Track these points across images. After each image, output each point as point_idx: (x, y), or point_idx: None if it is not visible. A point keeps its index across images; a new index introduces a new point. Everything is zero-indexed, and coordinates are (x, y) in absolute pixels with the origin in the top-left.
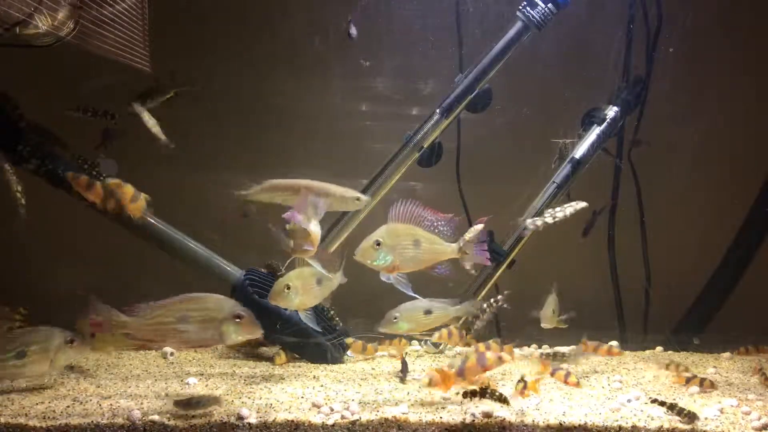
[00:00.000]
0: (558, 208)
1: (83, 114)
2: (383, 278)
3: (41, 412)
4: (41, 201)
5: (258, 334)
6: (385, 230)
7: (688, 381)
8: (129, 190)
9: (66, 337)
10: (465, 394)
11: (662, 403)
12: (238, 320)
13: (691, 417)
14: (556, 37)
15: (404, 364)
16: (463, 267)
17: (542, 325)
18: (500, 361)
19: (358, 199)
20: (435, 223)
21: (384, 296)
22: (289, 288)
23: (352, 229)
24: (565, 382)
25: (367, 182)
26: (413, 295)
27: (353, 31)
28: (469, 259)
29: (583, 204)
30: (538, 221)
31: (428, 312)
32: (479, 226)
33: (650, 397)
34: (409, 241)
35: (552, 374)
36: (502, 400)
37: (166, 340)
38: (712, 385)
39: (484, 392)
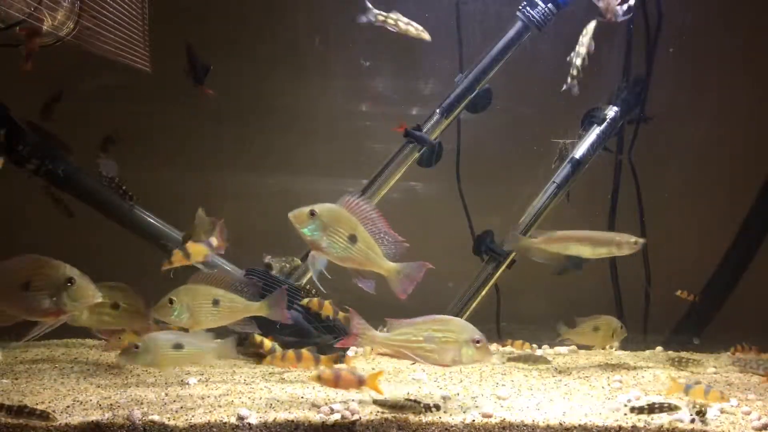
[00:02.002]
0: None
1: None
2: (312, 256)
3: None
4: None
5: (490, 357)
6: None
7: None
8: None
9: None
10: (632, 410)
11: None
12: (477, 344)
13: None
14: (556, 37)
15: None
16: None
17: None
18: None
19: (635, 242)
20: (382, 235)
21: (382, 296)
22: (172, 302)
23: None
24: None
25: (367, 182)
26: (319, 276)
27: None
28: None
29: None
30: (573, 71)
31: (178, 346)
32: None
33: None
34: (344, 233)
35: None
36: (672, 408)
37: (410, 355)
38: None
39: (652, 408)
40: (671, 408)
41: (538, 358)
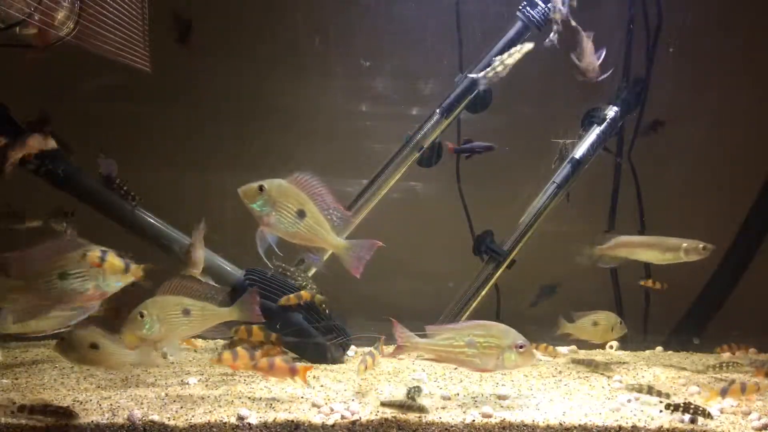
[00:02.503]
0: (505, 54)
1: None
2: (260, 232)
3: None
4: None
5: (533, 361)
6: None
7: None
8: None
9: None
10: (667, 406)
11: (676, 406)
12: (520, 350)
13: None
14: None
15: None
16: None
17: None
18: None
19: (703, 248)
20: (331, 210)
21: (382, 296)
22: (143, 316)
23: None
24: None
25: (367, 182)
26: (267, 252)
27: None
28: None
29: (529, 46)
30: (490, 72)
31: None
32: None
33: (666, 403)
34: (293, 209)
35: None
36: (705, 414)
37: (452, 360)
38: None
39: (687, 407)
40: (705, 415)
41: (599, 363)
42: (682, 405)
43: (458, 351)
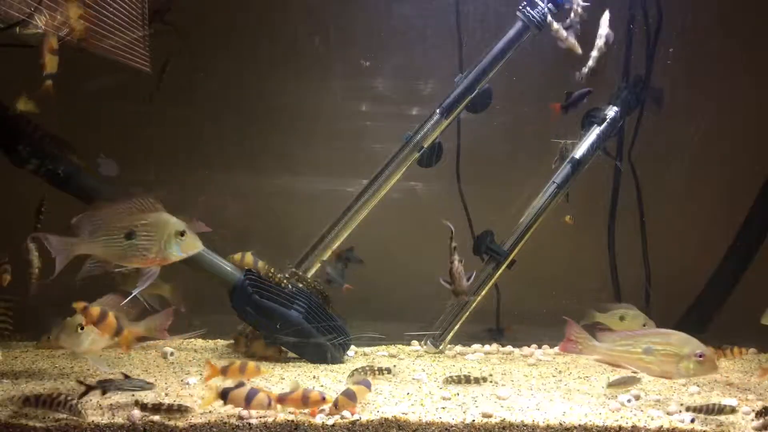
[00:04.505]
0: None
1: None
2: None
3: (41, 412)
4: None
5: (715, 370)
6: None
7: None
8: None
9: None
10: (688, 409)
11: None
12: (699, 359)
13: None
14: (555, 37)
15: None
16: None
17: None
18: (258, 371)
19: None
20: None
21: (382, 296)
22: (82, 328)
23: (351, 230)
24: None
25: (367, 182)
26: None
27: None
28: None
29: None
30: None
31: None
32: None
33: (685, 406)
34: None
35: None
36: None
37: (630, 366)
38: None
39: (710, 408)
40: (730, 410)
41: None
42: (704, 407)
43: (636, 357)
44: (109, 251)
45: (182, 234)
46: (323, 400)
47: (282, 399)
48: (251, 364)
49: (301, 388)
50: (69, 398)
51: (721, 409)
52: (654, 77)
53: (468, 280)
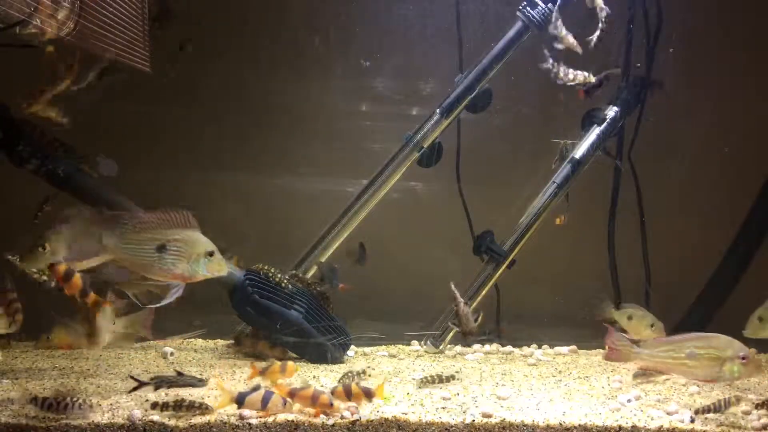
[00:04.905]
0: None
1: None
2: None
3: (42, 412)
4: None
5: (759, 372)
6: None
7: None
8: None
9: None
10: (697, 412)
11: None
12: (743, 360)
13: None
14: (555, 37)
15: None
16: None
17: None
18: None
19: None
20: None
21: (382, 296)
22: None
23: (351, 230)
24: None
25: (367, 182)
26: None
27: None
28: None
29: None
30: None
31: None
32: None
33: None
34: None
35: None
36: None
37: (673, 371)
38: None
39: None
40: (735, 401)
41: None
42: (712, 406)
43: (679, 363)
44: (137, 261)
45: (211, 254)
46: (330, 406)
47: (293, 393)
48: (290, 363)
49: (312, 387)
50: (75, 399)
51: (728, 403)
52: (654, 77)
53: (475, 321)
